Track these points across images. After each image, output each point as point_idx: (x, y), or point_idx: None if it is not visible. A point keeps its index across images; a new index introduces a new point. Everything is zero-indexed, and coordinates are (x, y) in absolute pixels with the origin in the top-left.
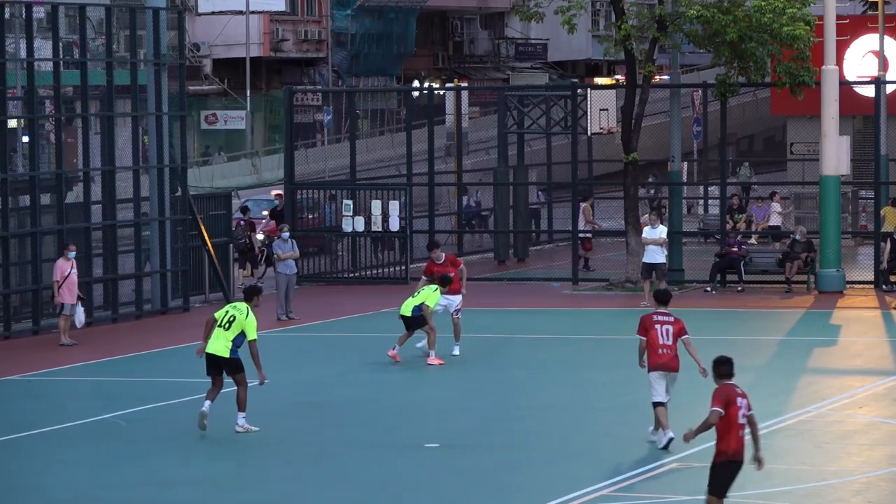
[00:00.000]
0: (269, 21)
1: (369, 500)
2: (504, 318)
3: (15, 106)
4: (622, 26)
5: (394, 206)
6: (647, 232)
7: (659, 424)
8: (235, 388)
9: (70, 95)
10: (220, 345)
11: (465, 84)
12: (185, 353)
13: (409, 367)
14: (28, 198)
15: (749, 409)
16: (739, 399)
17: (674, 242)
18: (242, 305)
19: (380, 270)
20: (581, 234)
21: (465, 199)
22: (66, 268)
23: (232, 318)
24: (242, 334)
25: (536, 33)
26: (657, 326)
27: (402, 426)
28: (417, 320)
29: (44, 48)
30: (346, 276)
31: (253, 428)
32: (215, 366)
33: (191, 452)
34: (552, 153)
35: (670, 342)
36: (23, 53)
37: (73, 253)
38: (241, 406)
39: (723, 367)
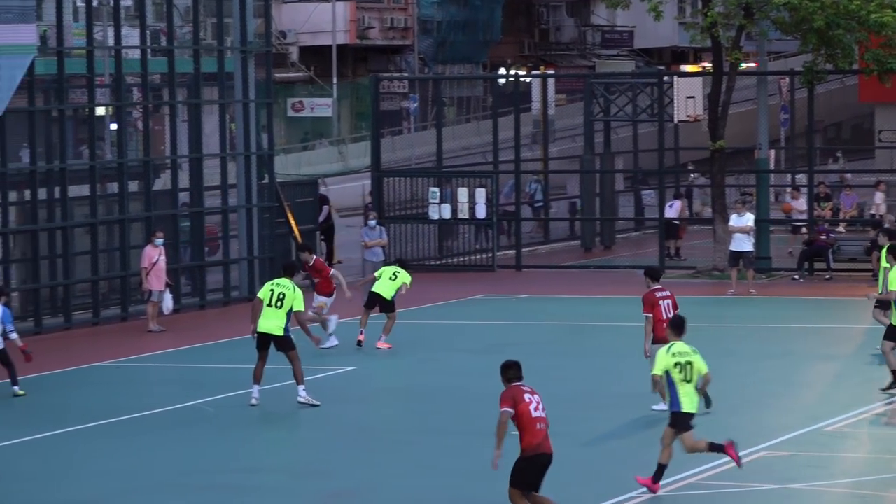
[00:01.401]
0: (356, 9)
1: (454, 488)
2: (589, 305)
3: (103, 93)
4: (709, 13)
5: (480, 194)
6: (733, 220)
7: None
8: (291, 365)
9: (157, 83)
10: (273, 323)
11: (551, 71)
12: None
13: (491, 353)
14: (116, 185)
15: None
16: (527, 395)
17: (761, 230)
18: (285, 281)
19: (466, 258)
20: (672, 222)
21: (532, 186)
22: (154, 255)
23: (281, 296)
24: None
25: (622, 20)
26: (661, 303)
27: (487, 414)
28: (391, 304)
29: (131, 36)
30: (432, 263)
31: (314, 401)
32: (266, 344)
33: (275, 439)
34: (638, 141)
35: (671, 315)
36: (111, 41)
37: (161, 240)
38: (299, 379)
39: (510, 372)
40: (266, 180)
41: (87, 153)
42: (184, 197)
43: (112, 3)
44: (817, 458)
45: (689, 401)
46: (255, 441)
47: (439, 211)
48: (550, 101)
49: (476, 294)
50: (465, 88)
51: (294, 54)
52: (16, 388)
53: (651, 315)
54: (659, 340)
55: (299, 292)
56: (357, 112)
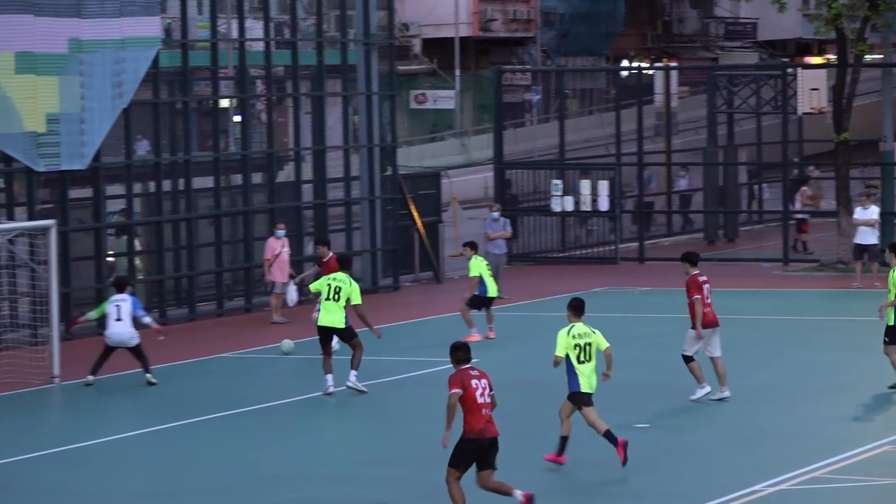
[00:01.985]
0: (478, 1)
1: (578, 480)
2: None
3: (227, 86)
4: (833, 5)
5: (603, 186)
6: (858, 213)
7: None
8: (352, 352)
9: (281, 75)
10: (334, 317)
11: (673, 63)
12: (394, 331)
13: (615, 345)
14: (240, 177)
15: (490, 390)
16: (475, 381)
17: (886, 223)
18: (342, 275)
19: (589, 250)
20: (798, 216)
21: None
22: (277, 246)
23: (338, 289)
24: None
25: (746, 12)
26: (704, 287)
27: (611, 406)
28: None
29: (255, 28)
30: (554, 255)
31: (361, 387)
32: (329, 337)
33: (396, 431)
34: (762, 133)
35: (710, 300)
36: (235, 34)
37: (283, 231)
38: (355, 365)
39: (459, 353)
40: (389, 172)
41: (211, 145)
42: (307, 189)
43: None
44: None
45: (585, 381)
46: (375, 433)
47: (562, 203)
48: (673, 94)
49: (599, 286)
50: (588, 80)
51: (417, 46)
52: (149, 375)
53: (700, 297)
54: (705, 325)
55: (356, 285)
56: (479, 104)
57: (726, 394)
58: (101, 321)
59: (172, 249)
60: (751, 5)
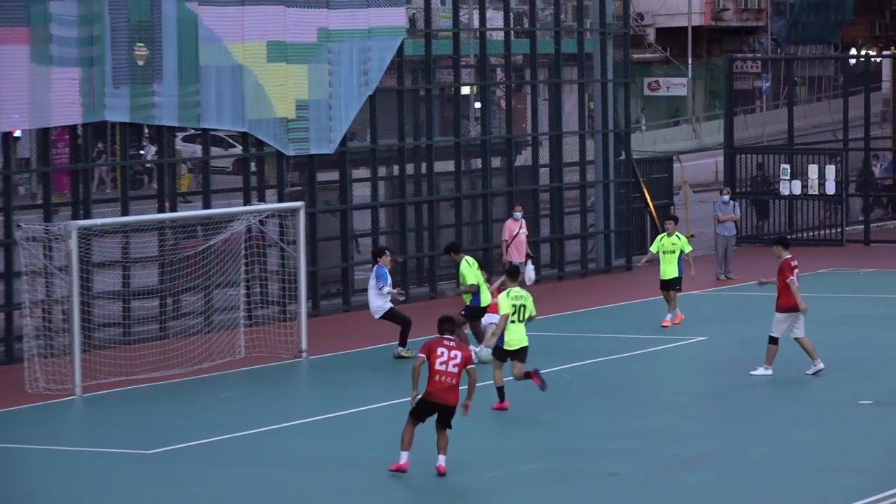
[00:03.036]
0: None
1: (799, 457)
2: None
3: (468, 73)
4: None
5: (830, 171)
6: None
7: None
8: None
9: (519, 63)
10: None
11: None
12: (628, 310)
13: (840, 325)
14: (479, 161)
15: (465, 363)
16: (441, 349)
17: None
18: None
19: (816, 232)
20: None
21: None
22: (514, 228)
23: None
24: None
25: None
26: (796, 270)
27: (836, 383)
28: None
29: (495, 18)
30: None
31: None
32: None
33: (628, 406)
34: None
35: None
36: (475, 24)
37: (520, 213)
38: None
39: (443, 325)
40: (623, 157)
41: (452, 130)
42: (543, 173)
43: None
44: None
45: (514, 337)
46: (609, 408)
47: (790, 187)
48: None
49: (824, 268)
50: (816, 68)
51: (651, 35)
52: (401, 349)
53: (794, 278)
54: (789, 308)
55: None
56: (711, 91)
57: (820, 366)
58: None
59: (414, 230)
60: None
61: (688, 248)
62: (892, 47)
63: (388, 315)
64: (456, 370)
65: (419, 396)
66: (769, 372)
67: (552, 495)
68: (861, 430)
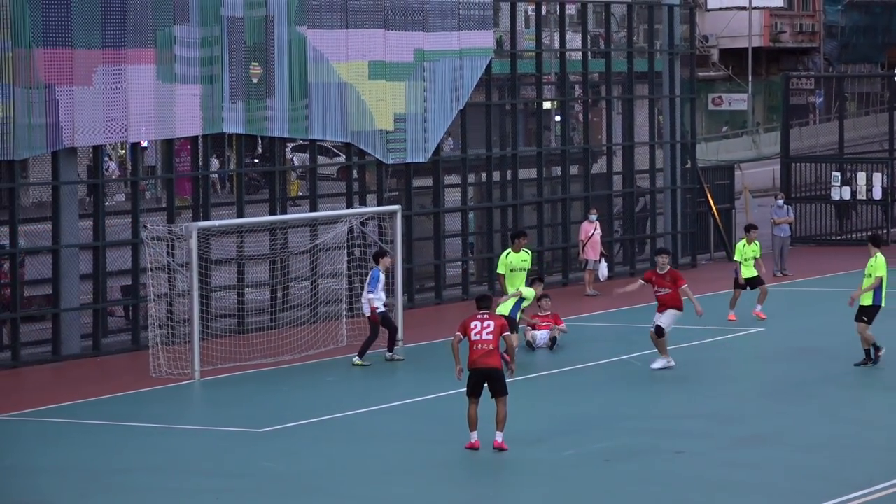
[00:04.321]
0: (769, 16)
1: (851, 436)
2: None
3: (549, 90)
4: None
5: (877, 178)
6: None
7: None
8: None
9: (596, 81)
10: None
11: None
12: (690, 306)
13: (882, 319)
14: (559, 168)
15: (501, 330)
16: (474, 322)
17: None
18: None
19: (864, 234)
20: None
21: None
22: (590, 229)
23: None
24: None
25: None
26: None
27: (888, 369)
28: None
29: (574, 40)
30: (832, 238)
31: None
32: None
33: (694, 390)
34: None
35: None
36: (557, 45)
37: (595, 216)
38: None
39: (480, 303)
40: (689, 165)
41: (535, 141)
42: (617, 179)
43: (558, 11)
44: None
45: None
46: (676, 391)
47: (840, 192)
48: None
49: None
50: (865, 85)
51: (715, 55)
52: (389, 353)
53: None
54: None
55: None
56: (769, 106)
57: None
58: None
59: (500, 231)
60: None
61: (758, 254)
62: None
63: (377, 317)
64: (491, 337)
65: (464, 370)
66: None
67: (623, 471)
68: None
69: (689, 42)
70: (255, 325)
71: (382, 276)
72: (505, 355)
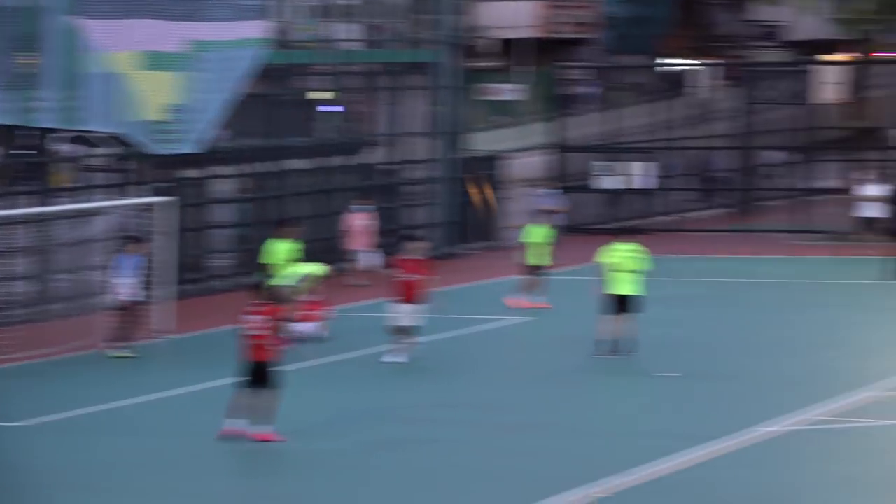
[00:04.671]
0: (546, 6)
1: (614, 421)
2: (733, 264)
3: (322, 80)
4: (855, 8)
5: (643, 167)
6: (865, 189)
7: None
8: None
9: (370, 71)
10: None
11: (711, 61)
12: (459, 294)
13: (655, 304)
14: (330, 159)
15: (271, 321)
16: (247, 315)
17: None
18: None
19: (631, 222)
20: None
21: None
22: (355, 219)
23: None
24: None
25: (776, 16)
26: None
27: (644, 357)
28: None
29: (350, 30)
30: (602, 227)
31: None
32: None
33: (457, 379)
34: (786, 122)
35: None
36: (331, 35)
37: (362, 206)
38: None
39: (254, 291)
40: (458, 155)
41: (305, 132)
42: (387, 170)
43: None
44: None
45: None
46: (437, 382)
47: (608, 182)
48: (710, 88)
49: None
50: (638, 76)
51: (488, 46)
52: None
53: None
54: None
55: None
56: (543, 96)
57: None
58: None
59: (269, 221)
60: (779, 9)
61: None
62: (704, 57)
63: (125, 305)
64: (261, 330)
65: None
66: None
67: (381, 462)
68: (670, 398)
69: (463, 32)
70: (12, 318)
71: (133, 263)
72: (284, 340)
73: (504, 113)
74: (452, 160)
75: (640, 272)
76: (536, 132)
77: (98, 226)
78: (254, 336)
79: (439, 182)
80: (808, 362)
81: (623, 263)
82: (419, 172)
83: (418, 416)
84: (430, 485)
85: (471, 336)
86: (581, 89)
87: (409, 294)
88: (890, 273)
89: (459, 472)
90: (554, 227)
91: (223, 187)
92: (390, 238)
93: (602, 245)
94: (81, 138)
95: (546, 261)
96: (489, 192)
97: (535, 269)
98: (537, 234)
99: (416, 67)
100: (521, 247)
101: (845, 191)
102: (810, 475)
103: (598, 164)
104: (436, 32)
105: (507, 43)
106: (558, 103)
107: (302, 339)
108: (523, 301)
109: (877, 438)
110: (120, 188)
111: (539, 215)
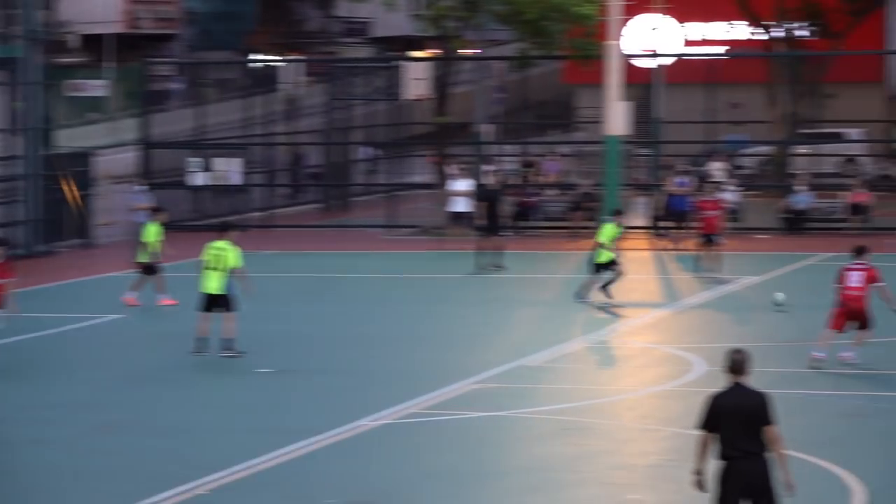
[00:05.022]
0: (128, 2)
1: (214, 419)
2: (328, 259)
3: None
4: (436, 6)
5: (234, 163)
6: (453, 185)
7: None
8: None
9: None
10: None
11: (299, 57)
12: (52, 292)
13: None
14: None
15: None
16: None
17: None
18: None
19: (223, 219)
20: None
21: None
22: None
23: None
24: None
25: (361, 13)
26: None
27: (251, 356)
28: None
29: None
30: (190, 224)
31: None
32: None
33: (51, 379)
34: (375, 117)
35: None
36: None
37: None
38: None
39: None
40: (47, 152)
41: None
42: None
43: None
44: (522, 389)
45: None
46: (26, 382)
47: (198, 178)
48: (298, 83)
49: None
50: (225, 72)
51: (74, 41)
52: None
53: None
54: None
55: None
56: (129, 92)
57: None
58: None
59: None
60: (366, 6)
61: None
62: (291, 53)
63: None
64: None
65: None
66: None
67: None
68: (269, 394)
69: (48, 27)
70: None
71: None
72: None
73: (93, 109)
74: (40, 157)
75: (230, 269)
76: (126, 128)
77: None
78: None
79: (24, 179)
80: (405, 356)
81: (212, 261)
82: (1, 170)
83: (10, 416)
84: (35, 486)
85: (67, 334)
86: (170, 85)
87: None
88: (482, 267)
89: (63, 473)
90: (160, 223)
91: None
92: None
93: (206, 242)
94: None
95: (158, 258)
96: (74, 188)
97: (147, 267)
98: (148, 232)
99: (1, 63)
100: (134, 244)
101: (437, 186)
102: (404, 467)
103: (191, 161)
104: (19, 27)
105: (98, 38)
106: (146, 99)
107: None
108: (133, 298)
109: (468, 430)
110: None
111: (145, 213)
